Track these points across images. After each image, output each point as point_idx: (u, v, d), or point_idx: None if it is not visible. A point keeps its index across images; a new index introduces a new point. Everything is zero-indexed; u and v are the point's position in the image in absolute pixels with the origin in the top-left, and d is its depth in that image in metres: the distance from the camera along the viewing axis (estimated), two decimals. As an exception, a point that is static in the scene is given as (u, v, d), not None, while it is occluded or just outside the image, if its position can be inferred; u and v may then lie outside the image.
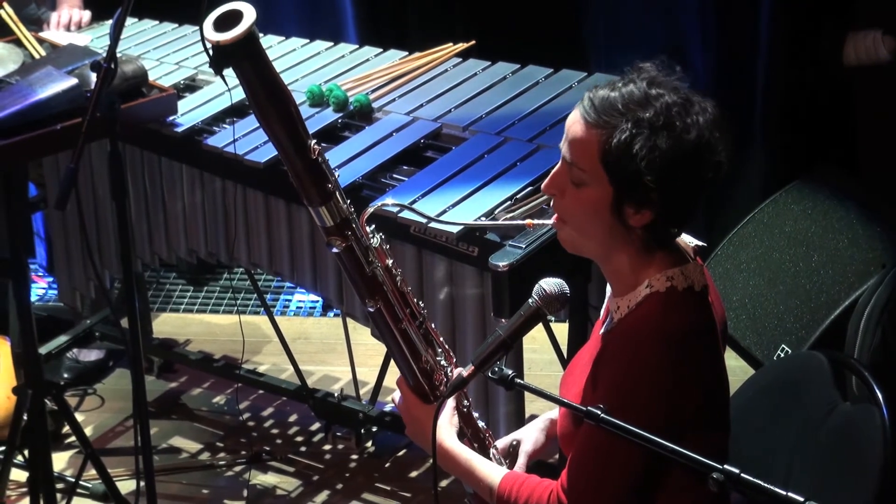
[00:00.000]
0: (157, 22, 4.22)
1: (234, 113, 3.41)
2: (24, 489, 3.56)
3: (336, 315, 4.71)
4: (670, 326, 2.09)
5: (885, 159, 4.30)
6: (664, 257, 2.15)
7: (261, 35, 3.85)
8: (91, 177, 3.76)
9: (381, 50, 3.87)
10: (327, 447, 3.96)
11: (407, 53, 3.79)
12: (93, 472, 3.47)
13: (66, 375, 4.27)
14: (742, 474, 1.80)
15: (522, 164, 3.14)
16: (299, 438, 4.04)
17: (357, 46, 3.95)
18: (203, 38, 2.06)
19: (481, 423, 2.38)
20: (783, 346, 3.68)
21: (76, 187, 2.76)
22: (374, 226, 2.23)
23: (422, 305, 2.31)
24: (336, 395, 3.80)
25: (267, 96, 2.08)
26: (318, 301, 4.86)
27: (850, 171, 4.22)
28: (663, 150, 2.04)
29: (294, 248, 3.34)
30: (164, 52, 3.96)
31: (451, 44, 3.79)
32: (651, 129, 2.05)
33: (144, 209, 3.65)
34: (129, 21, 3.95)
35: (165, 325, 4.70)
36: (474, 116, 3.40)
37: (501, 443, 2.44)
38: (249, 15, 2.02)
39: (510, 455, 2.43)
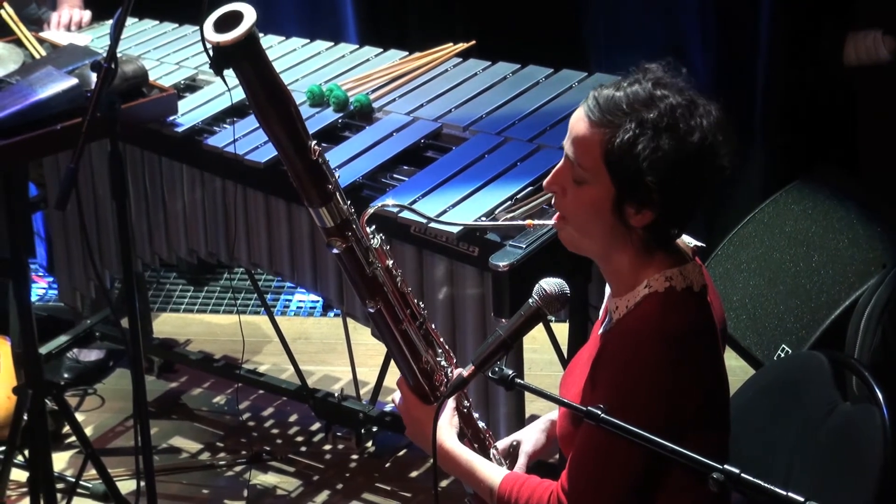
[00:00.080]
0: (157, 22, 4.22)
1: (234, 113, 3.42)
2: (25, 489, 3.56)
3: (336, 315, 4.71)
4: (669, 326, 2.09)
5: (886, 159, 4.30)
6: (664, 258, 2.15)
7: (261, 35, 3.85)
8: (91, 177, 3.77)
9: (381, 50, 3.87)
10: (327, 447, 3.96)
11: (407, 53, 3.80)
12: (93, 472, 3.47)
13: (66, 375, 4.27)
14: (742, 474, 1.80)
15: (523, 164, 3.14)
16: (299, 438, 4.04)
17: (357, 46, 3.95)
18: (203, 39, 2.06)
19: (481, 424, 2.38)
20: (783, 346, 3.68)
21: (76, 187, 2.76)
22: (374, 226, 2.23)
23: (422, 306, 2.31)
24: (336, 395, 3.80)
25: (267, 97, 2.08)
26: (318, 301, 4.86)
27: (851, 171, 4.22)
28: (666, 152, 2.04)
29: (294, 248, 3.34)
30: (164, 52, 3.96)
31: (451, 44, 3.79)
32: (655, 129, 2.05)
33: (145, 209, 3.65)
34: (130, 21, 3.94)
35: (166, 325, 4.70)
36: (474, 116, 3.40)
37: (501, 443, 2.44)
38: (249, 16, 2.02)
39: (510, 455, 2.43)
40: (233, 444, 4.00)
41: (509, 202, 2.97)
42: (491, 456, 2.35)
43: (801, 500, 1.75)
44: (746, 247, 3.88)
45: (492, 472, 2.25)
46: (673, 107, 2.07)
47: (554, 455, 2.49)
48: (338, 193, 2.15)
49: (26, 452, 3.43)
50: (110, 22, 3.74)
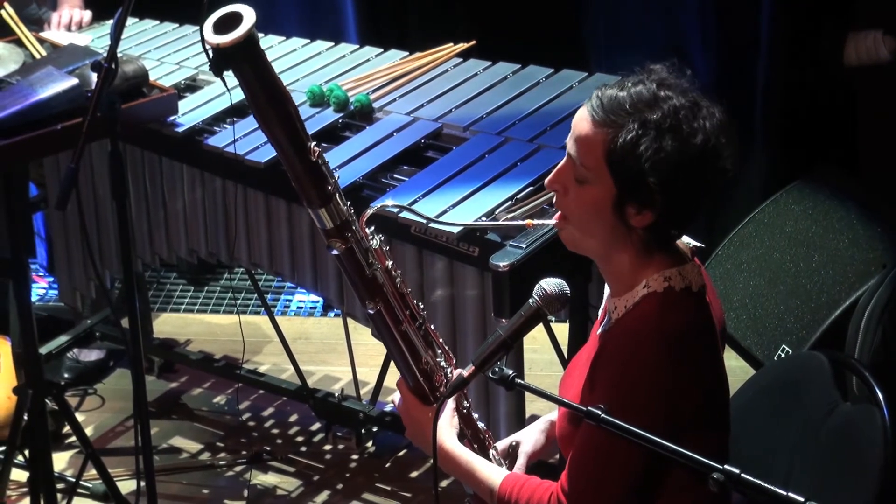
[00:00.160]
0: (157, 22, 4.22)
1: (234, 113, 3.42)
2: (25, 489, 3.56)
3: (336, 315, 4.71)
4: (668, 326, 2.09)
5: (886, 159, 4.30)
6: (663, 258, 2.15)
7: (261, 35, 3.85)
8: (91, 177, 3.76)
9: (381, 50, 3.87)
10: (328, 447, 3.96)
11: (407, 53, 3.80)
12: (93, 472, 3.47)
13: (66, 375, 4.27)
14: (742, 474, 1.80)
15: (523, 165, 3.14)
16: (300, 438, 4.04)
17: (358, 46, 3.95)
18: (203, 41, 2.06)
19: (481, 425, 2.38)
20: (784, 346, 3.68)
21: (77, 187, 2.76)
22: (373, 227, 2.23)
23: (421, 307, 2.31)
24: (336, 395, 3.80)
25: (266, 99, 2.08)
26: (318, 301, 4.86)
27: (851, 171, 4.23)
28: (668, 153, 2.04)
29: (294, 248, 3.34)
30: (164, 52, 3.96)
31: (451, 44, 3.79)
32: (657, 130, 2.05)
33: (145, 209, 3.65)
34: (130, 21, 3.94)
35: (166, 325, 4.70)
36: (475, 116, 3.40)
37: (501, 444, 2.44)
38: (249, 17, 2.02)
39: (509, 456, 2.43)
40: (233, 444, 4.00)
41: (509, 202, 2.97)
42: (490, 456, 2.35)
43: (802, 500, 1.75)
44: (747, 247, 3.88)
45: (492, 473, 2.25)
46: (676, 108, 2.07)
47: (553, 456, 2.49)
48: (337, 194, 2.15)
49: (26, 452, 3.43)
50: (111, 22, 3.74)
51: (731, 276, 3.86)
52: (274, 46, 3.94)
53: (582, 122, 2.11)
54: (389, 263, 2.25)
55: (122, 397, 4.15)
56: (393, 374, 2.34)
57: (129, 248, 2.88)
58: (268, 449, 3.95)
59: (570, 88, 3.50)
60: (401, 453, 3.92)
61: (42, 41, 3.69)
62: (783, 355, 3.65)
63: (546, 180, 2.19)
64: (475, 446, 2.33)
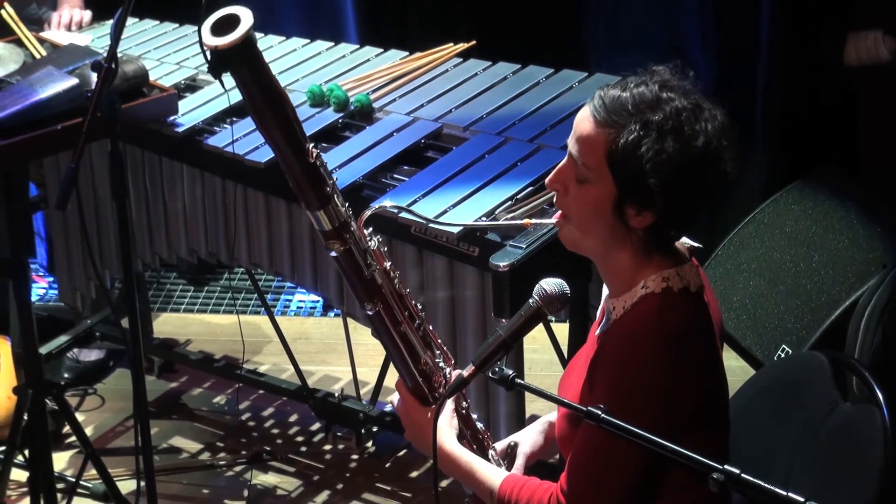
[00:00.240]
0: (157, 22, 4.23)
1: (233, 113, 3.42)
2: (25, 489, 3.56)
3: (336, 315, 4.71)
4: (667, 326, 2.09)
5: (886, 159, 4.30)
6: (662, 259, 2.15)
7: (261, 35, 3.85)
8: (91, 177, 3.77)
9: (381, 50, 3.87)
10: (328, 447, 3.96)
11: (408, 53, 3.80)
12: (93, 472, 3.47)
13: (66, 375, 4.27)
14: (742, 474, 1.80)
15: (523, 165, 3.14)
16: (300, 438, 4.04)
17: (358, 46, 3.95)
18: (201, 43, 2.06)
19: (480, 425, 2.38)
20: (784, 346, 3.68)
21: (77, 187, 2.76)
22: (370, 229, 2.23)
23: (420, 307, 2.31)
24: (336, 395, 3.80)
25: (264, 101, 2.07)
26: (318, 301, 4.86)
27: (851, 172, 4.23)
28: (670, 154, 2.05)
29: (294, 248, 3.34)
30: (164, 52, 3.97)
31: (451, 44, 3.79)
32: (659, 132, 2.05)
33: (145, 209, 3.65)
34: (130, 21, 3.94)
35: (166, 325, 4.70)
36: (475, 116, 3.40)
37: (499, 445, 2.44)
38: (247, 19, 2.02)
39: (508, 456, 2.43)
40: (233, 444, 4.00)
41: (509, 202, 2.97)
42: (489, 457, 2.35)
43: (802, 500, 1.75)
44: (747, 247, 3.88)
45: (492, 474, 2.25)
46: (678, 110, 2.07)
47: (552, 456, 2.49)
48: (335, 196, 2.15)
49: (26, 452, 3.43)
50: (111, 22, 3.74)
51: (731, 276, 3.86)
52: (274, 46, 3.94)
53: (584, 121, 2.11)
54: (388, 264, 2.25)
55: (122, 397, 4.15)
56: (393, 375, 2.34)
57: (129, 248, 2.88)
58: (268, 449, 3.95)
59: (570, 89, 3.50)
60: (401, 453, 3.92)
61: (42, 41, 3.69)
62: (783, 355, 3.65)
63: (546, 180, 2.19)
64: (474, 447, 2.33)
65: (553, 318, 3.16)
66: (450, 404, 2.30)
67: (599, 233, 2.14)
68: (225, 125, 3.46)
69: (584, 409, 1.95)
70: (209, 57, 2.05)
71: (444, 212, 2.97)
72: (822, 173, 3.99)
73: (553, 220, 2.21)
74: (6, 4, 3.75)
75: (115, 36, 2.80)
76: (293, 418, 4.13)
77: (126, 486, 3.55)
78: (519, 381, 2.06)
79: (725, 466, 1.81)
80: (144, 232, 3.67)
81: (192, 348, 4.45)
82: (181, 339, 4.58)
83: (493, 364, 2.10)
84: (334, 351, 4.46)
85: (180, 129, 3.45)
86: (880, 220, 3.75)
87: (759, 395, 2.56)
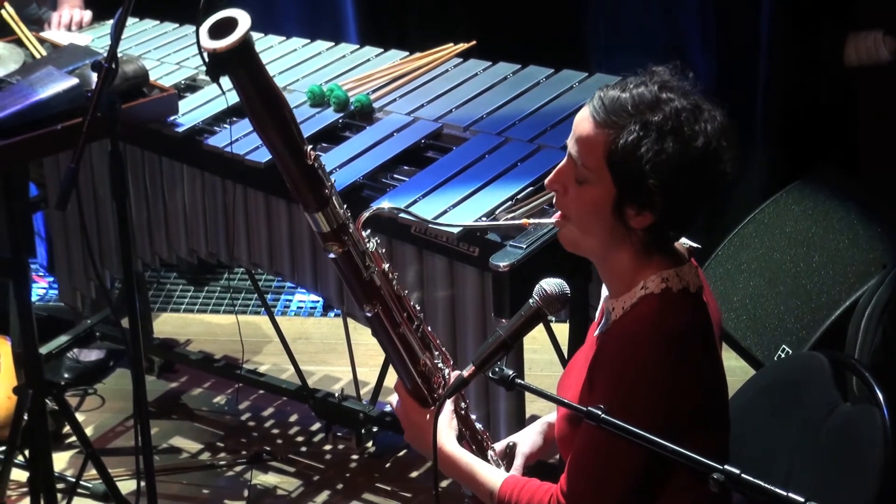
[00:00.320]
0: (157, 22, 4.23)
1: (233, 114, 3.41)
2: (25, 489, 3.56)
3: (336, 315, 4.71)
4: (666, 327, 2.09)
5: (886, 159, 4.30)
6: (661, 259, 2.15)
7: (261, 35, 3.85)
8: (92, 177, 3.77)
9: (381, 50, 3.87)
10: (328, 447, 3.96)
11: (408, 53, 3.80)
12: (93, 472, 3.47)
13: (66, 375, 4.27)
14: (742, 474, 1.80)
15: (523, 165, 3.14)
16: (300, 438, 4.04)
17: (358, 46, 3.95)
18: (199, 46, 2.06)
19: (479, 425, 2.38)
20: (784, 346, 3.68)
21: (77, 187, 2.76)
22: (368, 231, 2.23)
23: (418, 308, 2.31)
24: (336, 395, 3.80)
25: (262, 103, 2.07)
26: (318, 301, 4.86)
27: (851, 172, 4.23)
28: (669, 155, 2.05)
29: (294, 248, 3.34)
30: (164, 52, 3.97)
31: (451, 44, 3.79)
32: (659, 132, 2.05)
33: (145, 209, 3.65)
34: (130, 21, 3.94)
35: (166, 325, 4.70)
36: (475, 117, 3.40)
37: (498, 446, 2.44)
38: (244, 22, 2.02)
39: (507, 457, 2.43)
40: (233, 444, 4.00)
41: (510, 202, 2.97)
42: (488, 457, 2.35)
43: (802, 500, 1.75)
44: (747, 247, 3.88)
45: (492, 475, 2.25)
46: (678, 110, 2.07)
47: (551, 457, 2.49)
48: (334, 198, 2.15)
49: (26, 452, 3.43)
50: (111, 22, 3.74)
51: (731, 276, 3.86)
52: (274, 46, 3.94)
53: (583, 122, 2.11)
54: (386, 266, 2.24)
55: (122, 397, 4.15)
56: (393, 375, 2.34)
57: (129, 248, 2.88)
58: (268, 449, 3.95)
59: (571, 89, 3.50)
60: (401, 453, 3.92)
61: (42, 41, 3.69)
62: (783, 355, 3.65)
63: (546, 180, 2.19)
64: (473, 447, 2.33)
65: (553, 318, 3.16)
66: (449, 405, 2.30)
67: (599, 233, 2.14)
68: (225, 125, 3.46)
69: (584, 409, 1.95)
70: (207, 60, 2.05)
71: (445, 212, 2.97)
72: (822, 173, 3.99)
73: (552, 220, 2.21)
74: (6, 4, 3.75)
75: (115, 36, 2.80)
76: (293, 418, 4.13)
77: (126, 486, 3.55)
78: (519, 381, 2.06)
79: (725, 466, 1.81)
80: (144, 232, 3.67)
81: (192, 348, 4.45)
82: (181, 339, 4.58)
83: (493, 364, 2.10)
84: (334, 351, 4.46)
85: (180, 129, 3.44)
86: (880, 220, 3.75)
87: (759, 395, 2.56)
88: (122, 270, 3.29)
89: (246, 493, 3.77)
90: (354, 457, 3.92)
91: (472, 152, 3.23)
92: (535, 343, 3.65)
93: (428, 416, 2.27)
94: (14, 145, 2.96)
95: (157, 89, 3.40)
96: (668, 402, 2.08)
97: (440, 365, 2.31)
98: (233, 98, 2.15)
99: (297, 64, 3.81)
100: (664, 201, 2.07)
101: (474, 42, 3.80)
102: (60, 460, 3.82)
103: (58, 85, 3.07)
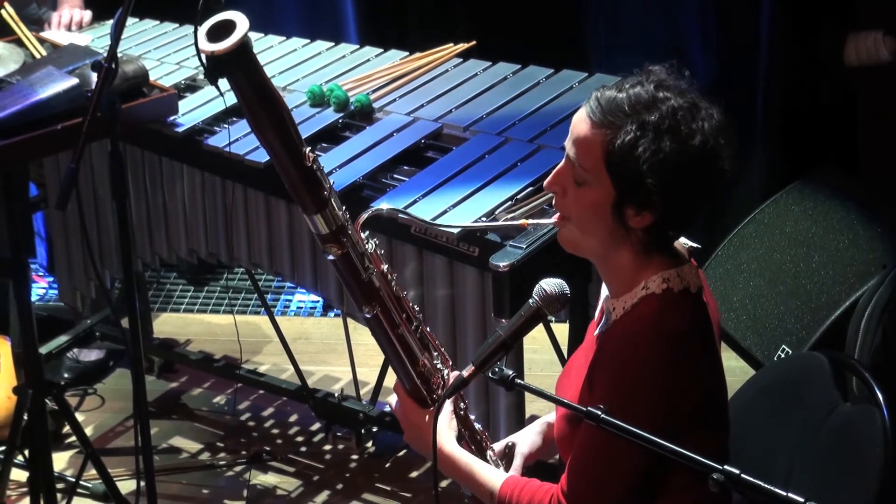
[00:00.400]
0: (157, 22, 4.22)
1: (232, 114, 3.41)
2: (25, 489, 3.56)
3: (336, 315, 4.71)
4: (667, 327, 2.09)
5: (886, 159, 4.30)
6: (662, 259, 2.15)
7: (261, 35, 3.85)
8: (92, 177, 3.77)
9: (381, 50, 3.87)
10: (327, 447, 3.96)
11: (408, 54, 3.80)
12: (93, 472, 3.47)
13: (66, 375, 4.27)
14: (742, 475, 1.80)
15: (523, 165, 3.14)
16: (299, 438, 4.04)
17: (358, 47, 3.95)
18: (198, 49, 2.06)
19: (478, 426, 2.38)
20: (784, 346, 3.68)
21: (77, 187, 2.76)
22: (367, 232, 2.23)
23: (417, 309, 2.31)
24: (336, 395, 3.80)
25: (260, 105, 2.07)
26: (318, 301, 4.86)
27: (851, 172, 4.23)
28: (667, 154, 2.04)
29: (294, 249, 3.34)
30: (164, 52, 3.96)
31: (451, 44, 3.79)
32: (656, 132, 2.05)
33: (145, 209, 3.65)
34: (130, 21, 3.94)
35: (166, 325, 4.70)
36: (475, 117, 3.40)
37: (497, 446, 2.43)
38: (242, 25, 2.02)
39: (506, 457, 2.43)
40: (233, 444, 4.00)
41: (509, 202, 2.97)
42: (488, 458, 2.35)
43: (801, 500, 1.75)
44: (747, 247, 3.88)
45: (492, 476, 2.25)
46: (675, 109, 2.07)
47: (551, 457, 2.49)
48: (333, 200, 2.15)
49: (26, 452, 3.43)
50: (111, 22, 3.74)
51: (731, 276, 3.86)
52: (274, 46, 3.94)
53: (580, 123, 2.11)
54: (385, 267, 2.24)
55: (122, 397, 4.15)
56: (393, 375, 2.34)
57: (129, 248, 2.88)
58: (268, 449, 3.95)
59: (570, 89, 3.50)
60: (401, 453, 3.92)
61: (42, 41, 3.69)
62: (783, 356, 3.65)
63: (545, 182, 2.19)
64: (472, 448, 2.33)
65: (553, 319, 3.16)
66: (448, 405, 2.30)
67: (599, 234, 2.13)
68: (225, 125, 3.46)
69: (584, 409, 1.95)
70: (205, 62, 2.05)
71: (444, 212, 2.97)
72: (822, 173, 3.99)
73: (552, 220, 2.21)
74: (6, 4, 3.75)
75: (115, 36, 2.80)
76: (293, 418, 4.13)
77: (126, 486, 3.55)
78: (519, 381, 2.06)
79: (725, 466, 1.81)
80: (144, 232, 3.67)
81: (192, 348, 4.45)
82: (181, 339, 4.58)
83: (493, 364, 2.10)
84: (334, 351, 4.46)
85: (180, 129, 3.44)
86: (880, 220, 3.75)
87: (759, 395, 2.56)
88: (122, 270, 3.29)
89: (246, 493, 3.77)
90: (354, 457, 3.92)
91: (472, 152, 3.23)
92: (535, 343, 3.65)
93: (427, 416, 2.27)
94: (14, 145, 2.96)
95: (157, 89, 3.40)
96: (668, 402, 2.08)
97: (439, 365, 2.31)
98: (232, 98, 2.15)
99: (297, 64, 3.81)
100: (663, 201, 2.07)
101: (474, 42, 3.80)
102: (60, 460, 3.82)
103: (58, 85, 3.07)
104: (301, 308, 4.86)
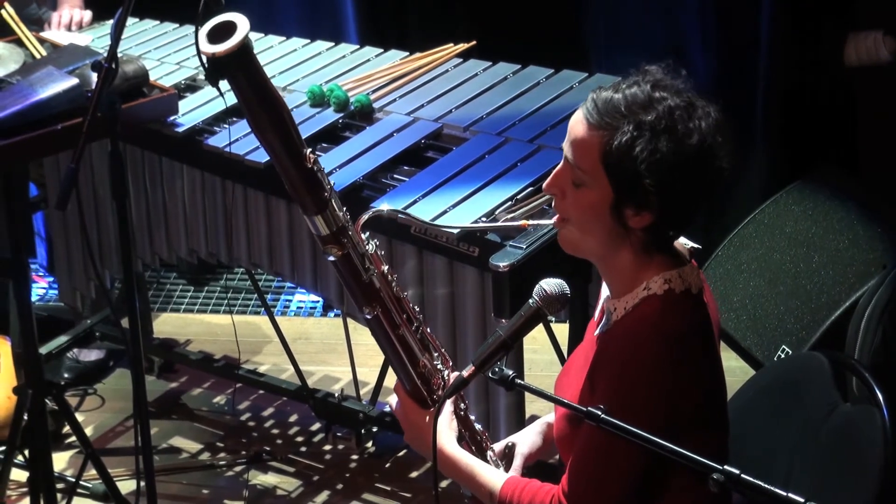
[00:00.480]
0: (157, 22, 4.23)
1: (232, 114, 3.41)
2: (25, 489, 3.56)
3: (336, 315, 4.71)
4: (668, 327, 2.09)
5: (886, 159, 4.30)
6: (662, 260, 2.15)
7: (261, 35, 3.85)
8: (92, 177, 3.77)
9: (381, 50, 3.87)
10: (327, 447, 3.96)
11: (408, 54, 3.80)
12: (93, 472, 3.47)
13: (66, 375, 4.27)
14: (742, 475, 1.80)
15: (523, 165, 3.14)
16: (299, 438, 4.04)
17: (358, 47, 3.95)
18: (198, 50, 2.07)
19: (478, 426, 2.38)
20: (784, 346, 3.68)
21: (77, 187, 2.76)
22: (367, 233, 2.23)
23: (417, 310, 2.31)
24: (336, 395, 3.80)
25: (261, 107, 2.07)
26: (318, 301, 4.86)
27: (851, 172, 4.23)
28: (664, 154, 2.04)
29: (294, 249, 3.34)
30: (164, 52, 3.96)
31: (451, 44, 3.79)
32: (652, 132, 2.05)
33: (145, 209, 3.65)
34: (130, 21, 3.94)
35: (166, 325, 4.70)
36: (475, 117, 3.40)
37: (497, 446, 2.43)
38: (243, 26, 2.02)
39: (506, 457, 2.43)
40: (233, 444, 4.00)
41: (509, 203, 2.97)
42: (488, 458, 2.35)
43: (801, 500, 1.75)
44: (747, 247, 3.88)
45: (492, 476, 2.25)
46: (671, 109, 2.06)
47: (551, 457, 2.49)
48: (333, 201, 2.15)
49: (26, 452, 3.43)
50: (111, 22, 3.74)
51: (731, 276, 3.86)
52: (274, 46, 3.94)
53: (577, 125, 2.11)
54: (385, 268, 2.24)
55: (122, 397, 4.15)
56: (393, 375, 2.34)
57: (129, 248, 2.88)
58: (268, 449, 3.95)
59: (571, 89, 3.50)
60: (401, 453, 3.92)
61: (42, 41, 3.69)
62: (783, 356, 3.65)
63: (544, 184, 2.19)
64: (472, 448, 2.33)
65: (553, 319, 3.16)
66: (449, 406, 2.30)
67: (599, 235, 2.13)
68: (225, 125, 3.46)
69: (584, 409, 1.95)
70: (206, 64, 2.05)
71: (444, 212, 2.97)
72: (822, 173, 3.99)
73: (550, 221, 2.21)
74: (6, 4, 3.75)
75: (115, 36, 2.80)
76: (293, 418, 4.13)
77: (126, 486, 3.55)
78: (519, 381, 2.06)
79: (725, 467, 1.81)
80: (144, 232, 3.67)
81: (192, 348, 4.45)
82: (181, 339, 4.58)
83: (493, 364, 2.10)
84: (334, 351, 4.46)
85: (180, 129, 3.45)
86: (880, 220, 3.75)
87: (759, 396, 2.56)
88: (122, 270, 3.29)
89: (245, 493, 3.77)
90: (354, 457, 3.92)
91: (471, 152, 3.23)
92: (535, 343, 3.65)
93: (427, 417, 2.27)
94: (14, 145, 2.96)
95: (157, 89, 3.40)
96: (668, 403, 2.08)
97: (439, 366, 2.31)
98: (232, 98, 2.15)
99: (297, 64, 3.81)
100: (661, 201, 2.07)
101: (474, 42, 3.80)
102: (60, 460, 3.82)
103: (58, 85, 3.07)
104: (301, 308, 4.86)
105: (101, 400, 4.21)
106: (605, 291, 2.26)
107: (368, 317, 2.23)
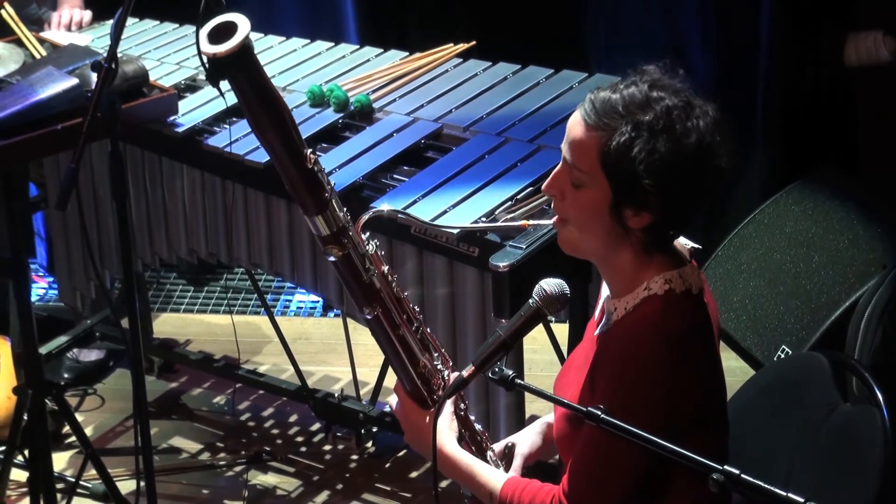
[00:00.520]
0: (157, 22, 4.23)
1: (232, 114, 3.41)
2: (25, 489, 3.56)
3: (336, 315, 4.71)
4: (668, 328, 2.09)
5: (886, 159, 4.30)
6: (663, 260, 2.15)
7: (261, 35, 3.85)
8: (91, 177, 3.77)
9: (381, 50, 3.87)
10: (327, 447, 3.96)
11: (408, 54, 3.80)
12: (93, 472, 3.47)
13: (66, 375, 4.27)
14: (742, 475, 1.80)
15: (523, 165, 3.14)
16: (299, 439, 4.04)
17: (358, 47, 3.95)
18: (199, 51, 2.07)
19: (478, 426, 2.38)
20: (784, 346, 3.68)
21: (77, 187, 2.76)
22: (367, 234, 2.23)
23: (418, 310, 2.31)
24: (336, 395, 3.80)
25: (261, 107, 2.07)
26: (318, 301, 4.86)
27: (851, 172, 4.23)
28: (662, 154, 2.04)
29: (294, 249, 3.34)
30: (164, 52, 3.97)
31: (451, 44, 3.79)
32: (650, 132, 2.04)
33: (145, 209, 3.65)
34: (130, 21, 3.94)
35: (166, 325, 4.70)
36: (475, 117, 3.40)
37: (497, 447, 2.43)
38: (243, 27, 2.02)
39: (506, 457, 2.43)
40: (233, 444, 4.00)
41: (509, 203, 2.97)
42: (488, 458, 2.35)
43: (801, 500, 1.75)
44: (747, 247, 3.88)
45: (492, 476, 2.25)
46: (669, 108, 2.06)
47: (550, 457, 2.49)
48: (333, 201, 2.15)
49: (26, 452, 3.43)
50: (111, 22, 3.74)
51: (731, 276, 3.86)
52: (274, 46, 3.94)
53: (575, 125, 2.11)
54: (386, 268, 2.24)
55: (122, 397, 4.15)
56: (393, 375, 2.34)
57: (129, 248, 2.88)
58: (267, 449, 3.95)
59: (571, 89, 3.50)
60: (401, 453, 3.92)
61: (42, 41, 3.69)
62: (783, 356, 3.65)
63: (543, 185, 2.19)
64: (473, 448, 2.33)
65: (553, 319, 3.16)
66: (449, 406, 2.30)
67: (598, 235, 2.13)
68: (225, 125, 3.46)
69: (584, 409, 1.95)
70: (206, 65, 2.05)
71: (444, 212, 2.97)
72: (822, 173, 3.99)
73: (551, 221, 2.21)
74: (6, 4, 3.75)
75: (115, 36, 2.80)
76: (293, 418, 4.13)
77: (126, 486, 3.55)
78: (519, 381, 2.06)
79: (725, 467, 1.81)
80: (144, 232, 3.67)
81: (192, 348, 4.45)
82: (181, 339, 4.58)
83: (493, 364, 2.10)
84: (334, 351, 4.46)
85: (180, 129, 3.45)
86: (880, 220, 3.75)
87: (759, 396, 2.56)
88: (122, 270, 3.29)
89: (245, 493, 3.77)
90: (354, 457, 3.92)
91: (471, 153, 3.23)
92: (535, 343, 3.66)
93: (427, 417, 2.27)
94: (14, 145, 2.96)
95: (157, 89, 3.40)
96: (668, 403, 2.08)
97: (439, 366, 2.31)
98: (232, 98, 2.15)
99: (297, 64, 3.81)
100: (661, 201, 2.07)
101: (474, 42, 3.80)
102: (60, 460, 3.82)
103: (58, 85, 3.07)
104: (301, 308, 4.86)
105: (101, 400, 4.21)
106: (605, 291, 2.26)
107: (368, 317, 2.23)
